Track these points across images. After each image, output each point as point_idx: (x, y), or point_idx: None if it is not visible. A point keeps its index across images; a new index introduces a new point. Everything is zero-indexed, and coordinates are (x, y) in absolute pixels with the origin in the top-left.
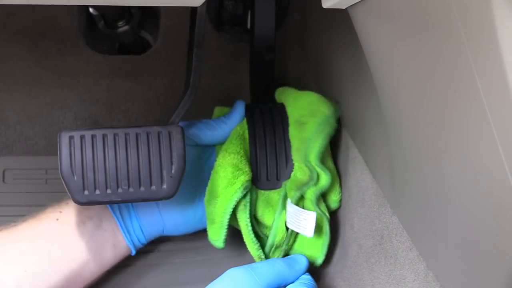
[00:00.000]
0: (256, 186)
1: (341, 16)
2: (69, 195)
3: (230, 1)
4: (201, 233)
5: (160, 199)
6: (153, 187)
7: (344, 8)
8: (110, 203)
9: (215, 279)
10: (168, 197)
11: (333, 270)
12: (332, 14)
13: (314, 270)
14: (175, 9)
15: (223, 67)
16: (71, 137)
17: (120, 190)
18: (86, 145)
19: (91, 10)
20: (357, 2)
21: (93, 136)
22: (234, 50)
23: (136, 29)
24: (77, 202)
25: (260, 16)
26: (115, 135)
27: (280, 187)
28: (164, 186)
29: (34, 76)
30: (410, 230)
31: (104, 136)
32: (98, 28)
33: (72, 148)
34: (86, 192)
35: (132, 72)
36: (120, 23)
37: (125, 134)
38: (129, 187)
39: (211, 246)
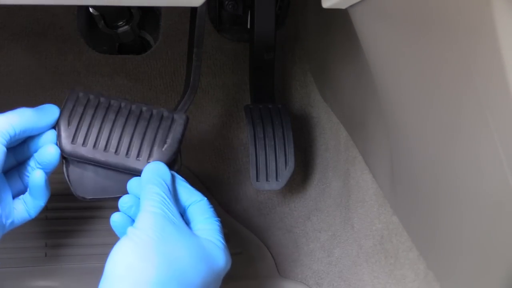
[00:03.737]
0: (256, 187)
1: (341, 16)
2: (58, 141)
3: (230, 1)
4: None
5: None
6: (140, 158)
7: (344, 8)
8: (93, 161)
9: None
10: None
11: (333, 270)
12: (332, 14)
13: (315, 270)
14: (175, 9)
15: (223, 67)
16: (79, 94)
17: (107, 152)
18: (90, 104)
19: (91, 10)
20: (357, 2)
21: (99, 100)
22: (234, 50)
23: (136, 29)
24: (62, 150)
25: (260, 16)
26: (120, 104)
27: (280, 188)
28: (150, 161)
29: (34, 76)
30: (410, 230)
31: (110, 102)
32: (98, 28)
33: (77, 103)
34: (74, 143)
35: (132, 72)
36: (120, 23)
37: (130, 107)
38: (116, 151)
39: None
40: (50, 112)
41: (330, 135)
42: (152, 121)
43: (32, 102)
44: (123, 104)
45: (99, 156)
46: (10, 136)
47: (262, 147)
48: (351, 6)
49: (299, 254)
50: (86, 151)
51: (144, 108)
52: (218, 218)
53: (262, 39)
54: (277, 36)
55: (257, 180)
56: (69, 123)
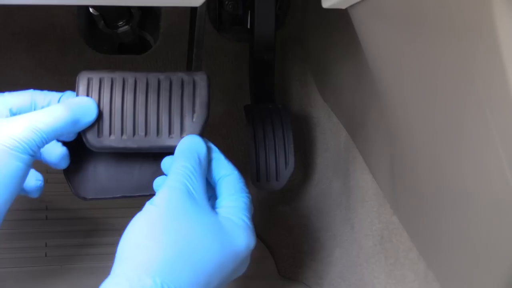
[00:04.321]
0: (256, 187)
1: (341, 16)
2: (84, 139)
3: (230, 1)
4: None
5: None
6: (173, 135)
7: (344, 8)
8: (125, 150)
9: None
10: None
11: (333, 270)
12: (332, 14)
13: (315, 270)
14: (175, 9)
15: (223, 67)
16: (90, 79)
17: (136, 137)
18: (104, 87)
19: (91, 10)
20: (357, 2)
21: (112, 79)
22: (234, 50)
23: (136, 29)
24: (91, 146)
25: (260, 16)
26: (136, 79)
27: (280, 188)
28: (184, 135)
29: (34, 76)
30: (410, 230)
31: (124, 80)
32: (98, 28)
33: (90, 90)
34: (100, 136)
35: None
36: (120, 23)
37: (146, 79)
38: (146, 134)
39: None
40: (88, 111)
41: (330, 135)
42: (174, 90)
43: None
44: (138, 78)
45: (130, 143)
46: (34, 151)
47: (262, 147)
48: (351, 6)
49: (299, 254)
50: (116, 142)
51: (161, 77)
52: (247, 194)
53: (262, 39)
54: (277, 36)
55: (257, 180)
56: None
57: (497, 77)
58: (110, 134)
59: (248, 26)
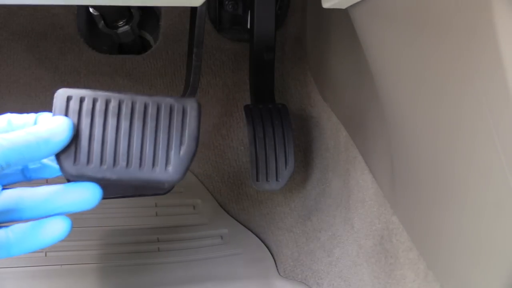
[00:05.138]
0: (256, 187)
1: (341, 16)
2: (58, 165)
3: (230, 1)
4: (200, 234)
5: (163, 182)
6: (157, 168)
7: (344, 8)
8: (104, 180)
9: (214, 277)
10: (172, 181)
11: (333, 270)
12: (332, 14)
13: (315, 270)
14: (175, 9)
15: (223, 67)
16: (68, 98)
17: (117, 167)
18: (84, 109)
19: (91, 10)
20: (357, 2)
21: (94, 100)
22: (234, 50)
23: (136, 29)
24: (66, 173)
25: (260, 16)
26: (120, 102)
27: (280, 188)
28: (169, 169)
29: (34, 76)
30: (410, 230)
31: (107, 102)
32: (98, 28)
33: (68, 110)
34: (77, 164)
35: (133, 72)
36: (120, 23)
37: (132, 103)
38: (127, 164)
39: (210, 246)
40: (60, 130)
41: (330, 135)
42: (162, 118)
43: (32, 101)
44: (123, 102)
45: (110, 174)
46: None
47: (262, 147)
48: (351, 6)
49: (299, 254)
50: (94, 171)
51: (148, 102)
52: None
53: (262, 39)
54: (277, 36)
55: (257, 180)
56: None
57: (497, 77)
58: (88, 162)
59: (248, 26)
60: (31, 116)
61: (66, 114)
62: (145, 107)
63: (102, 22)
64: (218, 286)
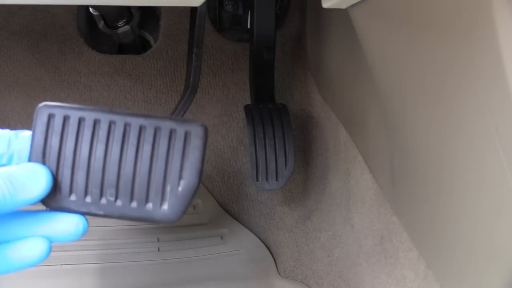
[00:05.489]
0: (256, 186)
1: (341, 16)
2: None
3: (230, 1)
4: (200, 234)
5: (157, 222)
6: (149, 205)
7: (344, 8)
8: (89, 215)
9: (214, 277)
10: (168, 221)
11: (333, 270)
12: (332, 14)
13: (315, 270)
14: (175, 9)
15: (223, 67)
16: (51, 116)
17: (103, 200)
18: (69, 130)
19: (91, 10)
20: (357, 2)
21: (80, 120)
22: (234, 50)
23: (136, 29)
24: (46, 204)
25: (260, 16)
26: (110, 124)
27: (280, 188)
28: (164, 207)
29: (34, 76)
30: (410, 230)
31: (95, 122)
32: (98, 28)
33: (50, 131)
34: (58, 195)
35: (133, 72)
36: (120, 23)
37: (125, 125)
38: (116, 199)
39: (210, 245)
40: (33, 183)
41: (330, 135)
42: (159, 144)
43: (32, 101)
44: (114, 123)
45: (95, 208)
46: None
47: (262, 147)
48: (351, 6)
49: (299, 254)
50: (77, 205)
51: (144, 125)
52: None
53: (262, 39)
54: (277, 36)
55: (257, 180)
56: (45, 163)
57: (497, 77)
58: (70, 193)
59: (248, 26)
60: (3, 137)
61: (47, 135)
62: (140, 131)
63: (102, 22)
64: (218, 286)
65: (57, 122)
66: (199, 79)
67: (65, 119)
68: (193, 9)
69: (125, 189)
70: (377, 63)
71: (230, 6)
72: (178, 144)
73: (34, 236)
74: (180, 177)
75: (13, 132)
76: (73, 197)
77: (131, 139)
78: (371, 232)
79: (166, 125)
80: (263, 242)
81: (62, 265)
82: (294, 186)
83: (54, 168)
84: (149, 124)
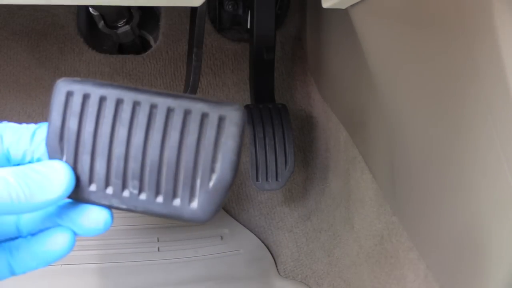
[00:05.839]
0: (256, 187)
1: (341, 16)
2: None
3: (230, 1)
4: (200, 234)
5: (186, 220)
6: (177, 200)
7: (344, 8)
8: (110, 207)
9: (214, 277)
10: (198, 221)
11: (333, 270)
12: (332, 14)
13: (315, 270)
14: (175, 9)
15: (223, 67)
16: (69, 94)
17: (126, 193)
18: (88, 111)
19: (91, 10)
20: (357, 2)
21: (101, 99)
22: (234, 50)
23: (136, 29)
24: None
25: (260, 16)
26: (135, 104)
27: (280, 188)
28: (194, 204)
29: (34, 76)
30: (410, 230)
31: (118, 102)
32: (98, 28)
33: (68, 111)
34: (77, 184)
35: (133, 72)
36: (120, 23)
37: (151, 106)
38: (140, 192)
39: (210, 245)
40: (51, 183)
41: (330, 135)
42: (188, 130)
43: (33, 101)
44: (139, 104)
45: (117, 202)
46: None
47: (262, 147)
48: (351, 6)
49: (299, 254)
50: (97, 196)
51: (173, 107)
52: None
53: (262, 39)
54: (277, 36)
55: (257, 180)
56: (62, 152)
57: (497, 77)
58: (90, 183)
59: (248, 26)
60: (28, 130)
61: (64, 117)
62: (168, 114)
63: (102, 22)
64: (218, 286)
65: (76, 102)
66: (199, 79)
67: (85, 98)
68: (193, 9)
69: (150, 181)
70: (377, 63)
71: (230, 6)
72: (210, 131)
73: (58, 226)
74: (212, 170)
75: (37, 125)
76: (92, 188)
77: (157, 123)
78: (371, 232)
79: (198, 108)
80: (263, 242)
81: (62, 265)
82: (294, 186)
83: (72, 155)
84: (179, 106)
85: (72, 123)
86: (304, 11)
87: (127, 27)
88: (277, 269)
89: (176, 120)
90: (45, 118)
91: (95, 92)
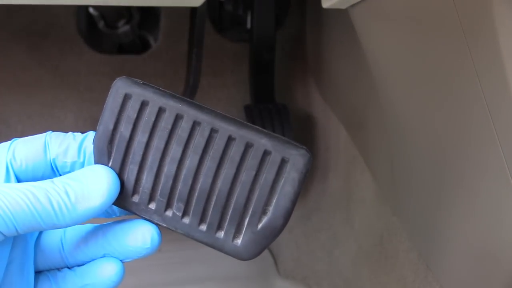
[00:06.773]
0: None
1: (341, 16)
2: None
3: (230, 1)
4: None
5: (226, 253)
6: (221, 233)
7: (344, 8)
8: (148, 220)
9: (214, 277)
10: (239, 258)
11: (333, 270)
12: (332, 14)
13: (315, 270)
14: (175, 9)
15: (223, 67)
16: (127, 97)
17: (169, 213)
18: (144, 120)
19: (91, 10)
20: (357, 2)
21: (160, 110)
22: (234, 50)
23: (136, 29)
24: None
25: (260, 16)
26: (194, 124)
27: None
28: (237, 242)
29: (34, 76)
30: (410, 230)
31: (177, 117)
32: (98, 28)
33: (123, 116)
34: (120, 192)
35: (133, 72)
36: (120, 23)
37: (211, 130)
38: (184, 215)
39: None
40: (94, 193)
41: (330, 135)
42: (247, 165)
43: (33, 101)
44: (199, 125)
45: (158, 218)
46: None
47: None
48: (351, 6)
49: (299, 254)
50: (138, 208)
51: (234, 136)
52: None
53: (262, 39)
54: (277, 36)
55: None
56: (109, 156)
57: (498, 77)
58: (133, 193)
59: (248, 26)
60: (75, 139)
61: (118, 120)
62: (228, 142)
63: (102, 22)
64: (218, 286)
65: (133, 107)
66: (199, 79)
67: (143, 104)
68: (193, 9)
69: (196, 207)
70: (377, 63)
71: (230, 6)
72: (269, 172)
73: (106, 256)
74: (263, 212)
75: (84, 135)
76: (135, 199)
77: (215, 150)
78: (371, 232)
79: (261, 144)
80: None
81: None
82: None
83: (119, 161)
84: (241, 137)
85: (124, 129)
86: (304, 11)
87: (127, 27)
88: (277, 269)
89: (235, 152)
90: (45, 118)
91: (155, 101)
